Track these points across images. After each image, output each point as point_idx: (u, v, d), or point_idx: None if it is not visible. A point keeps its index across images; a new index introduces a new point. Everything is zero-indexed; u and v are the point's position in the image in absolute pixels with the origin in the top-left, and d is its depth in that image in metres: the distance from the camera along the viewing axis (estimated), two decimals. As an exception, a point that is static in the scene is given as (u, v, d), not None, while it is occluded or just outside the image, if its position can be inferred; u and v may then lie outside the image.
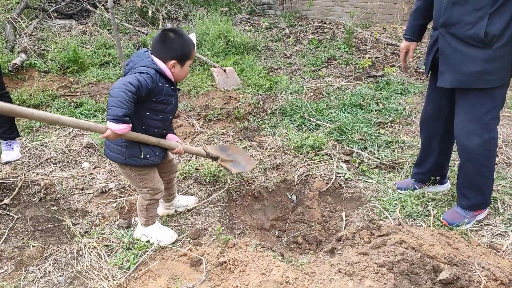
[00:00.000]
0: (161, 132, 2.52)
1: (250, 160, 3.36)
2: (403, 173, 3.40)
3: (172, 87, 2.41)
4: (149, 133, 2.40)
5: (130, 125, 2.20)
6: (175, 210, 2.99)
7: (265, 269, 2.20)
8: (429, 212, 2.88)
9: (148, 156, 2.43)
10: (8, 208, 3.07)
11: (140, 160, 2.41)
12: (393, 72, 5.70)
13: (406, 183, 3.15)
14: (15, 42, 6.30)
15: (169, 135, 2.62)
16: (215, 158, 3.10)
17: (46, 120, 2.03)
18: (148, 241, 2.66)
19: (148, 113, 2.35)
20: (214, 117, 4.57)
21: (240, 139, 4.13)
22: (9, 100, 3.64)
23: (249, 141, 4.08)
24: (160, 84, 2.30)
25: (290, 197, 3.36)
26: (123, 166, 2.49)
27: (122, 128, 2.13)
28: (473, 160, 2.60)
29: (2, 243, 2.73)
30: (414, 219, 2.83)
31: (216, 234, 2.67)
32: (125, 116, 2.11)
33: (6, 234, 2.80)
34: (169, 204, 2.95)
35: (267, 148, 3.91)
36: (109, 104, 2.10)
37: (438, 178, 3.06)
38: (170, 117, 2.52)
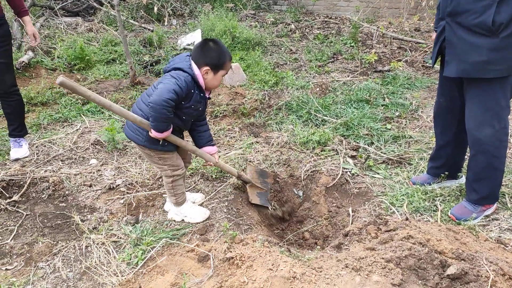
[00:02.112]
0: (181, 130, 2.67)
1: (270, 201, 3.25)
2: (412, 168, 3.38)
3: (201, 94, 2.52)
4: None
5: (171, 129, 2.45)
6: None
7: (272, 265, 2.20)
8: (437, 207, 2.87)
9: (166, 144, 2.57)
10: (17, 205, 3.10)
11: (159, 145, 2.55)
12: (400, 66, 5.66)
13: (421, 178, 3.14)
14: (22, 40, 6.34)
15: (207, 148, 2.78)
16: (245, 182, 3.17)
17: (100, 103, 2.31)
18: (182, 220, 2.83)
19: (175, 111, 2.47)
20: (220, 113, 4.58)
21: (247, 135, 4.14)
22: (20, 98, 3.67)
23: (255, 137, 4.08)
24: (192, 90, 2.44)
25: (296, 193, 3.36)
26: (142, 148, 2.63)
27: (166, 134, 2.44)
28: (484, 152, 2.58)
29: (11, 239, 2.76)
30: (422, 214, 2.82)
31: (223, 230, 2.68)
32: (168, 126, 2.41)
33: (15, 230, 2.83)
34: None
35: (273, 144, 3.91)
36: (152, 117, 2.35)
37: (453, 171, 3.04)
38: (192, 120, 2.67)
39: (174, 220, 2.86)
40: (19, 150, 3.69)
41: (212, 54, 2.45)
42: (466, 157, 3.14)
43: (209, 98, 2.67)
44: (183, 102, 2.44)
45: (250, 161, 3.59)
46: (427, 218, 2.77)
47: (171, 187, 2.73)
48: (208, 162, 2.81)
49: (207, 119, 2.87)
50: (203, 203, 3.04)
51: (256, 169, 3.35)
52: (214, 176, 3.34)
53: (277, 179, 3.40)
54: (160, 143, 2.54)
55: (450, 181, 3.11)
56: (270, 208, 3.17)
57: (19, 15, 3.55)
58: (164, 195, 3.14)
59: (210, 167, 3.42)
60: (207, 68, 2.45)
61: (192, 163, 3.51)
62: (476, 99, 2.54)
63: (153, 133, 2.41)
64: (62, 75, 2.14)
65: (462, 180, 3.11)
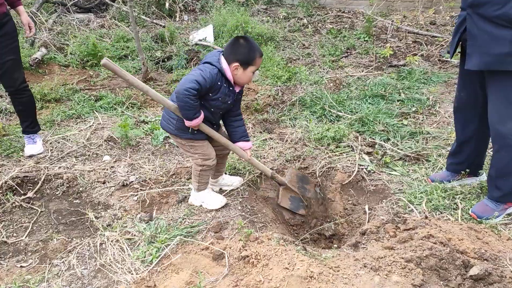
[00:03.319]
0: (210, 121, 2.73)
1: (305, 207, 3.16)
2: (431, 165, 3.30)
3: (230, 88, 2.61)
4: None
5: (202, 115, 2.55)
6: (220, 189, 3.14)
7: (288, 264, 2.16)
8: (457, 205, 2.79)
9: (195, 132, 2.67)
10: (32, 201, 3.10)
11: (188, 134, 2.68)
12: (415, 61, 5.55)
13: (440, 175, 3.06)
14: (35, 36, 6.36)
15: (241, 143, 2.83)
16: (279, 183, 3.14)
17: (139, 88, 2.49)
18: (200, 206, 2.93)
19: (203, 102, 2.59)
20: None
21: (260, 131, 4.09)
22: (30, 94, 3.67)
23: (269, 133, 4.04)
24: (219, 83, 2.53)
25: (318, 192, 3.30)
26: (175, 137, 2.78)
27: (196, 122, 2.53)
28: (508, 147, 2.49)
29: (26, 236, 2.75)
30: (441, 213, 2.75)
31: (237, 228, 2.65)
32: (195, 114, 2.49)
33: (30, 227, 2.83)
34: (215, 181, 3.11)
35: (287, 140, 3.86)
36: (179, 106, 2.49)
37: (474, 168, 2.97)
38: (221, 112, 2.74)
39: (193, 205, 2.95)
40: (34, 146, 3.70)
41: (242, 50, 2.53)
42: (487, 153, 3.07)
43: (240, 93, 2.77)
44: (210, 94, 2.55)
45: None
46: (447, 216, 2.70)
47: (198, 174, 2.83)
48: (240, 157, 2.86)
49: (242, 116, 2.91)
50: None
51: (298, 173, 3.28)
52: (228, 173, 3.30)
53: (319, 185, 3.33)
54: (190, 131, 2.65)
55: (470, 178, 3.03)
56: (299, 214, 3.10)
57: (13, 6, 3.52)
58: (178, 192, 3.12)
59: (242, 162, 3.40)
60: (237, 64, 2.53)
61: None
62: (499, 92, 2.47)
63: (187, 123, 2.53)
64: (106, 57, 2.36)
65: (483, 177, 3.03)
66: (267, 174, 3.07)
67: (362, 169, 3.33)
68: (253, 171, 3.31)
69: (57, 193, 3.18)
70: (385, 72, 5.44)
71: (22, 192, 3.17)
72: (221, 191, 3.12)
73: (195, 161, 2.79)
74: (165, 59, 6.19)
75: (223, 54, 2.57)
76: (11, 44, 3.39)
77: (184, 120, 2.53)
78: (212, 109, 2.64)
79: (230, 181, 3.15)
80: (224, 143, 2.77)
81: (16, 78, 3.48)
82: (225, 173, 3.23)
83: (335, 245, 2.75)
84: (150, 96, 2.55)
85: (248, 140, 2.87)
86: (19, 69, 3.51)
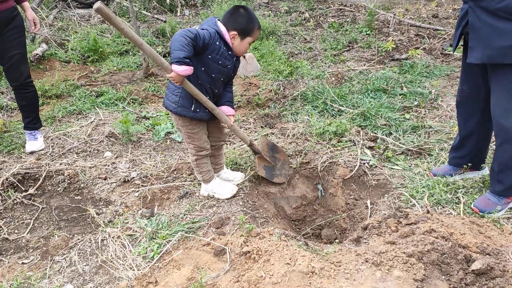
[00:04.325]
0: (212, 91, 2.68)
1: (285, 175, 3.29)
2: (433, 159, 3.28)
3: (229, 52, 2.59)
4: (200, 89, 2.58)
5: (192, 67, 2.37)
6: None
7: (290, 259, 2.15)
8: (459, 199, 2.77)
9: (198, 110, 2.65)
10: (33, 198, 3.10)
11: (190, 111, 2.64)
12: (418, 54, 5.51)
13: (443, 170, 3.04)
14: (36, 32, 6.33)
15: (224, 107, 2.80)
16: (255, 152, 3.18)
17: (132, 40, 2.34)
18: (213, 196, 2.96)
19: (203, 69, 2.54)
20: (235, 104, 4.50)
21: (262, 126, 4.08)
22: (34, 89, 3.67)
23: (270, 128, 4.02)
24: (217, 43, 2.50)
25: (320, 189, 3.28)
26: (175, 118, 2.75)
27: (185, 69, 2.33)
28: (511, 141, 2.47)
29: (27, 233, 2.76)
30: (443, 207, 2.73)
31: (239, 223, 2.64)
32: (186, 58, 2.31)
33: (31, 224, 2.84)
34: (216, 175, 3.08)
35: (288, 135, 3.84)
36: (171, 48, 2.34)
37: (476, 162, 2.95)
38: (222, 79, 2.68)
39: (204, 196, 2.99)
40: (35, 143, 3.70)
41: (241, 20, 2.52)
42: (489, 147, 3.04)
43: (238, 61, 2.74)
44: (209, 56, 2.50)
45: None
46: (449, 211, 2.69)
47: (195, 165, 2.88)
48: (223, 123, 2.83)
49: (232, 85, 2.94)
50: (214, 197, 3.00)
51: (268, 143, 3.35)
52: (229, 168, 3.30)
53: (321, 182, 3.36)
54: (192, 108, 2.62)
55: (472, 172, 3.01)
56: (275, 181, 3.22)
57: (18, 2, 3.52)
58: (179, 188, 3.11)
59: (225, 159, 3.38)
60: (235, 33, 2.53)
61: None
62: (502, 86, 2.44)
63: (174, 68, 2.31)
64: (100, 1, 2.18)
65: (486, 171, 3.01)
66: (246, 142, 3.09)
67: (364, 163, 3.31)
68: (254, 167, 3.31)
69: (58, 189, 3.18)
70: (387, 66, 5.41)
71: (23, 188, 3.17)
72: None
73: (190, 151, 2.84)
74: (166, 54, 6.17)
75: (220, 21, 2.56)
76: (19, 38, 3.41)
77: (173, 66, 2.32)
78: (213, 75, 2.59)
79: (232, 176, 3.16)
80: (210, 106, 2.66)
81: (22, 72, 3.49)
82: (227, 168, 3.23)
83: (337, 240, 2.74)
84: (143, 50, 2.41)
85: (233, 108, 2.87)
86: (25, 64, 3.52)
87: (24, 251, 2.60)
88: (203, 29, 2.48)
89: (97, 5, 2.14)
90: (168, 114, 4.37)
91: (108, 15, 2.22)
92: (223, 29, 2.52)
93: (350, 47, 6.29)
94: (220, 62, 2.55)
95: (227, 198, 2.93)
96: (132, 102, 4.74)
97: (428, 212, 2.55)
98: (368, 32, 6.77)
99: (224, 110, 2.79)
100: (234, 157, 3.41)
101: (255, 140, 3.45)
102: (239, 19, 2.52)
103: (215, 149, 3.01)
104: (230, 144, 3.77)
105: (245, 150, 3.57)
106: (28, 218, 2.90)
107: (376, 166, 3.28)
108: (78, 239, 2.67)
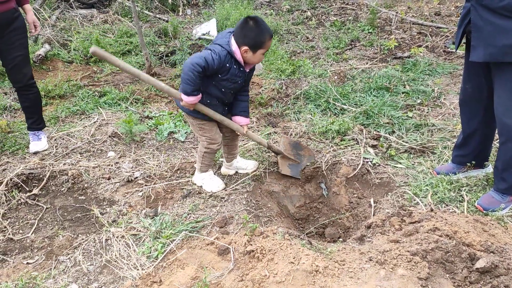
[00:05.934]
0: (223, 101, 2.81)
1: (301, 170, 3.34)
2: (436, 157, 3.28)
3: (240, 68, 2.66)
4: (210, 100, 2.73)
5: (199, 96, 2.61)
6: (236, 172, 3.26)
7: (293, 258, 2.16)
8: (463, 197, 2.77)
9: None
10: (37, 198, 3.11)
11: (201, 114, 2.76)
12: (420, 52, 5.50)
13: (446, 168, 3.04)
14: (38, 33, 6.35)
15: (238, 118, 2.89)
16: (276, 153, 3.24)
17: (130, 72, 2.51)
18: (200, 186, 3.08)
19: (213, 82, 2.66)
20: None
21: (264, 125, 4.08)
22: (37, 90, 3.68)
23: (273, 127, 4.02)
24: (227, 65, 2.58)
25: (323, 187, 3.28)
26: (187, 115, 2.88)
27: (192, 100, 2.58)
28: None
29: (32, 233, 2.77)
30: (447, 205, 2.73)
31: (243, 223, 2.65)
32: (194, 91, 2.54)
33: (36, 224, 2.85)
34: (229, 164, 3.22)
35: (291, 134, 3.84)
36: (182, 78, 2.54)
37: (479, 160, 2.95)
38: (232, 92, 2.78)
39: (195, 184, 3.12)
40: (38, 143, 3.71)
41: (250, 34, 2.53)
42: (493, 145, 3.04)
43: (252, 71, 2.82)
44: (219, 75, 2.61)
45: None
46: (452, 209, 2.69)
47: (202, 155, 2.97)
48: (236, 131, 2.92)
49: (248, 92, 2.99)
50: (218, 196, 3.01)
51: (290, 141, 3.41)
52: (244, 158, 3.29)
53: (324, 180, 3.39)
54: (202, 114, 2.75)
55: (476, 170, 3.00)
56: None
57: (20, 4, 3.53)
58: (182, 187, 3.12)
59: (259, 148, 3.46)
60: (246, 48, 2.56)
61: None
62: (505, 84, 2.44)
63: (183, 97, 2.57)
64: (94, 46, 2.31)
65: (489, 169, 3.01)
66: (264, 145, 3.16)
67: (367, 162, 3.31)
68: (269, 157, 3.33)
69: (62, 189, 3.19)
70: (389, 64, 5.40)
71: (27, 189, 3.18)
72: (237, 174, 3.23)
73: (201, 142, 2.93)
74: (169, 54, 6.17)
75: (233, 35, 2.59)
76: (21, 40, 3.41)
77: (182, 96, 2.57)
78: (223, 89, 2.70)
79: (245, 165, 3.24)
80: (219, 118, 2.80)
81: (24, 73, 3.50)
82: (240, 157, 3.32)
83: (340, 239, 2.74)
84: (142, 79, 2.59)
85: (247, 117, 2.92)
86: (27, 65, 3.53)
87: (28, 251, 2.61)
88: (215, 49, 2.54)
89: (92, 49, 2.35)
90: (171, 113, 4.38)
91: (103, 55, 2.39)
92: (234, 47, 2.56)
93: (353, 46, 6.28)
94: (229, 80, 2.65)
95: (212, 192, 3.01)
96: (135, 102, 4.75)
97: (431, 210, 2.55)
98: (370, 30, 6.75)
99: (238, 121, 2.89)
100: (247, 146, 3.46)
101: (274, 142, 3.51)
102: (249, 33, 2.53)
103: (229, 139, 3.09)
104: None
105: (247, 149, 3.57)
106: (32, 218, 2.91)
107: (379, 165, 3.28)
108: (83, 239, 2.68)
